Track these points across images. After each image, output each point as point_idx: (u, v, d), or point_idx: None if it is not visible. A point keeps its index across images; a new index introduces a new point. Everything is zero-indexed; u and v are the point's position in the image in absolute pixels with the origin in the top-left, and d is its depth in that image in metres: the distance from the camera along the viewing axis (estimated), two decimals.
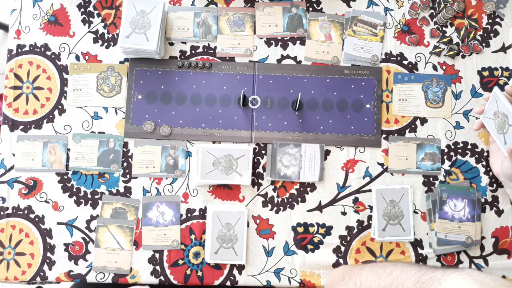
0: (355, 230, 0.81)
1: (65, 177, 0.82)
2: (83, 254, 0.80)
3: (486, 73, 0.85)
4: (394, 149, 0.83)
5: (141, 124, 0.83)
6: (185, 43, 0.86)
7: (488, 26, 0.86)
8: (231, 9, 0.86)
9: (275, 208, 0.82)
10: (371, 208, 0.81)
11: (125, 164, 0.82)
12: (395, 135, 0.83)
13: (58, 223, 0.81)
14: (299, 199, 0.82)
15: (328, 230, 0.81)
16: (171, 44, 0.86)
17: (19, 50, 0.85)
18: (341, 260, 0.80)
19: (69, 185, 0.82)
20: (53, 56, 0.85)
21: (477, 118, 0.83)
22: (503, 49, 0.85)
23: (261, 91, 0.84)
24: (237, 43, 0.85)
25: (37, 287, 0.86)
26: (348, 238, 0.81)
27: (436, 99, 0.84)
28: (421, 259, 0.80)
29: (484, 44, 0.85)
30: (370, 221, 0.81)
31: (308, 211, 0.81)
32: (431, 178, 0.82)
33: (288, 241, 0.81)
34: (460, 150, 0.83)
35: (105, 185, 0.82)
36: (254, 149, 0.83)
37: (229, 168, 0.80)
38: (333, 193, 0.82)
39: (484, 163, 0.82)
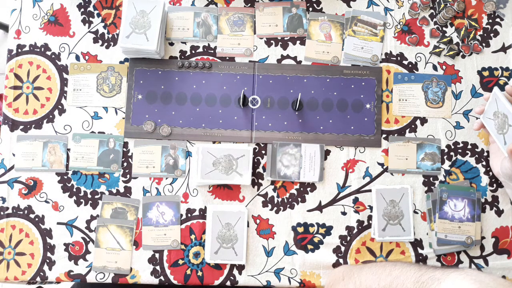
0: (355, 230, 0.81)
1: (65, 177, 0.82)
2: (83, 254, 0.80)
3: (486, 73, 0.85)
4: (394, 149, 0.83)
5: (141, 124, 0.83)
6: (185, 43, 0.86)
7: (488, 26, 0.86)
8: (231, 9, 0.86)
9: (275, 208, 0.82)
10: (371, 208, 0.81)
11: (125, 164, 0.82)
12: (395, 135, 0.83)
13: (58, 223, 0.81)
14: (299, 199, 0.82)
15: (328, 230, 0.81)
16: (171, 44, 0.86)
17: (19, 50, 0.85)
18: (341, 260, 0.80)
19: (69, 185, 0.82)
20: (53, 56, 0.85)
21: (477, 118, 0.83)
22: (503, 49, 0.85)
23: (261, 91, 0.84)
24: (237, 43, 0.85)
25: (37, 287, 0.86)
26: (348, 238, 0.81)
27: (436, 99, 0.84)
28: (421, 259, 0.80)
29: (484, 44, 0.85)
30: (370, 221, 0.81)
31: (308, 211, 0.81)
32: (431, 178, 0.82)
33: (288, 241, 0.81)
34: (460, 150, 0.83)
35: (105, 185, 0.82)
36: (254, 149, 0.83)
37: (229, 168, 0.80)
38: (333, 193, 0.82)
39: (484, 163, 0.82)
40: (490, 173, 0.82)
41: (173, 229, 0.80)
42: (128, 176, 0.82)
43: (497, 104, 0.70)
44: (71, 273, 0.80)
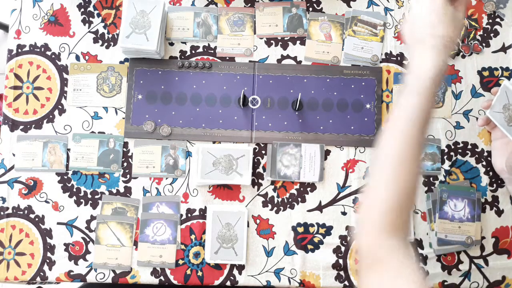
0: (355, 230, 0.81)
1: (65, 177, 0.82)
2: (83, 254, 0.80)
3: (486, 73, 0.85)
4: None
5: (141, 124, 0.83)
6: (185, 43, 0.86)
7: (488, 26, 0.86)
8: (231, 9, 0.86)
9: (275, 208, 0.82)
10: None
11: (125, 164, 0.82)
12: None
13: (58, 223, 0.81)
14: (299, 199, 0.82)
15: (328, 230, 0.81)
16: (171, 44, 0.86)
17: (19, 50, 0.85)
18: (341, 261, 0.80)
19: (69, 185, 0.82)
20: (53, 56, 0.85)
21: (477, 119, 0.83)
22: (503, 49, 0.85)
23: (261, 91, 0.84)
24: (237, 43, 0.85)
25: (37, 287, 0.86)
26: (348, 238, 0.81)
27: (436, 99, 0.84)
28: (421, 259, 0.80)
29: (484, 44, 0.85)
30: None
31: (308, 211, 0.81)
32: (431, 178, 0.82)
33: (288, 241, 0.81)
34: (460, 150, 0.83)
35: (105, 185, 0.82)
36: (254, 149, 0.83)
37: (229, 168, 0.80)
38: (333, 193, 0.82)
39: (484, 163, 0.82)
40: (490, 173, 0.82)
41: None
42: (128, 176, 0.82)
43: (507, 96, 0.72)
44: (71, 273, 0.80)
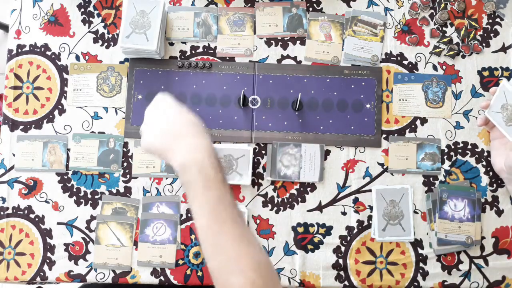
0: (355, 230, 0.81)
1: (65, 177, 0.82)
2: (83, 254, 0.80)
3: (486, 73, 0.85)
4: (394, 149, 0.83)
5: (141, 124, 0.83)
6: (185, 43, 0.86)
7: (488, 26, 0.86)
8: (231, 9, 0.86)
9: (275, 208, 0.82)
10: (371, 208, 0.81)
11: (125, 164, 0.82)
12: (395, 135, 0.83)
13: (58, 223, 0.81)
14: (299, 199, 0.82)
15: (328, 230, 0.81)
16: (171, 44, 0.86)
17: (19, 50, 0.85)
18: (341, 261, 0.80)
19: (69, 185, 0.82)
20: (53, 56, 0.85)
21: (476, 118, 0.83)
22: (503, 49, 0.85)
23: (261, 91, 0.84)
24: (237, 43, 0.85)
25: (37, 287, 0.86)
26: (348, 238, 0.81)
27: (436, 99, 0.84)
28: (421, 259, 0.80)
29: (484, 44, 0.85)
30: (370, 221, 0.81)
31: (308, 211, 0.81)
32: (431, 178, 0.82)
33: (288, 241, 0.81)
34: (460, 150, 0.83)
35: (105, 185, 0.82)
36: (254, 149, 0.83)
37: (229, 168, 0.80)
38: (333, 193, 0.82)
39: (484, 163, 0.82)
40: (490, 173, 0.82)
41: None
42: (128, 176, 0.82)
43: (505, 96, 0.72)
44: (71, 273, 0.80)
